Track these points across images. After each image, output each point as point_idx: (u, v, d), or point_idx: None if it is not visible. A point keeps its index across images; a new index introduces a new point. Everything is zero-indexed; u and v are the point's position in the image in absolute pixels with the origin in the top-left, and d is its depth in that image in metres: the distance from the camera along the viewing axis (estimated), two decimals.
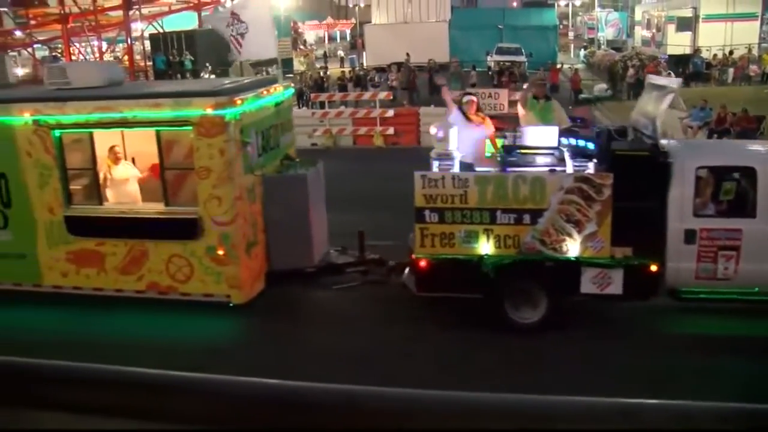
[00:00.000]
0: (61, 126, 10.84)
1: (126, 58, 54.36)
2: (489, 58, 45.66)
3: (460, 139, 10.63)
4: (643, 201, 9.79)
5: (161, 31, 54.31)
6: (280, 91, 12.30)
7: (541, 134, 10.72)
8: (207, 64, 49.15)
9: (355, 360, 9.52)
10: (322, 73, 41.24)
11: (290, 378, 1.48)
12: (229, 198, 10.49)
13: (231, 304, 10.84)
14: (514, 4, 61.74)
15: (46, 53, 56.68)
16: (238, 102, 10.50)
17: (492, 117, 12.52)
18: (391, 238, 12.41)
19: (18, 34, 53.47)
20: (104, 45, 56.16)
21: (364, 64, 50.00)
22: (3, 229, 11.48)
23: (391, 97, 30.80)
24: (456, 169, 10.35)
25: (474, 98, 11.52)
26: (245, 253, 10.87)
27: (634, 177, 9.70)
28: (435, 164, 10.40)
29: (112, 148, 11.48)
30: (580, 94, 35.09)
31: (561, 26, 55.85)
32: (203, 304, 11.01)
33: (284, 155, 12.34)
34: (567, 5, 61.92)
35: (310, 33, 57.80)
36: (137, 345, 9.84)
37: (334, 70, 50.56)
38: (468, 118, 11.10)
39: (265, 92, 11.54)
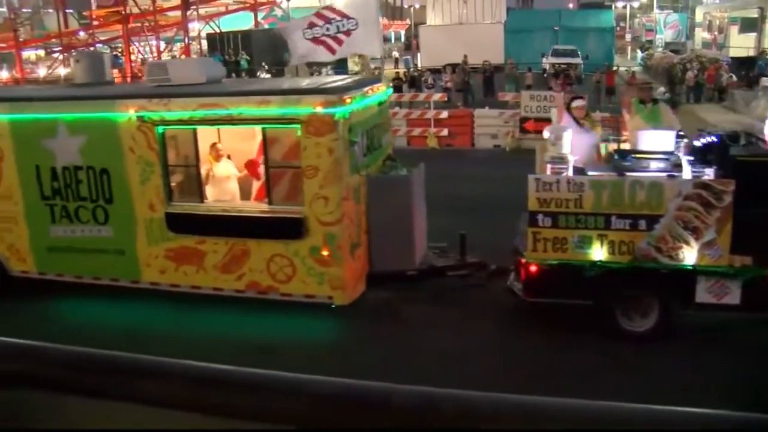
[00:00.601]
0: (165, 122, 10.65)
1: (183, 57, 54.84)
2: (544, 60, 45.06)
3: (572, 143, 10.27)
4: (765, 208, 9.32)
5: (218, 31, 54.66)
6: (383, 91, 12.02)
7: (655, 138, 10.30)
8: (263, 64, 49.42)
9: (452, 363, 9.27)
10: (376, 74, 40.90)
11: (389, 379, 1.40)
12: (336, 198, 10.20)
13: (333, 306, 10.56)
14: (571, 5, 60.68)
15: (107, 53, 57.26)
16: (348, 100, 10.22)
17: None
18: (447, 239, 12.28)
19: (81, 34, 54.10)
20: (162, 44, 56.54)
21: (419, 65, 49.68)
22: (103, 224, 11.33)
23: (446, 99, 30.43)
24: (570, 172, 10.00)
25: (583, 102, 11.16)
26: (349, 255, 10.58)
27: (756, 183, 9.24)
28: (548, 167, 10.04)
29: (214, 145, 11.28)
30: None
31: (618, 28, 54.75)
32: (303, 304, 10.77)
33: (386, 156, 12.05)
34: (624, 7, 60.55)
35: None
36: (237, 343, 9.73)
37: (388, 70, 50.27)
38: (578, 123, 10.76)
39: (369, 91, 11.26)
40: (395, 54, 55.14)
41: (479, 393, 1.26)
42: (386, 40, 57.54)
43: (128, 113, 10.73)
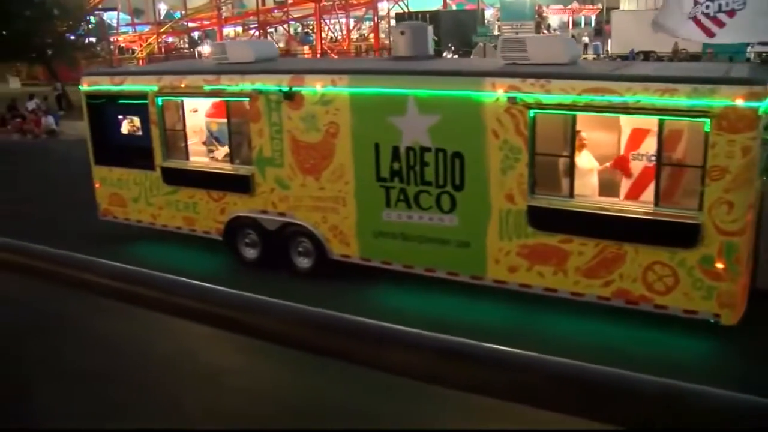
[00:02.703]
0: (540, 106, 9.17)
1: (371, 35, 54.34)
2: (749, 48, 40.95)
3: None
4: None
5: (407, 10, 53.63)
6: None
7: None
8: (449, 45, 48.23)
9: None
10: None
11: None
12: (743, 204, 8.40)
13: (718, 324, 8.84)
14: None
15: (299, 30, 57.56)
16: None
17: None
18: None
19: (276, 12, 54.49)
20: (351, 23, 56.12)
21: (609, 52, 46.87)
22: (448, 213, 10.03)
23: None
24: None
25: None
26: (745, 269, 8.82)
27: None
28: None
29: (578, 134, 9.70)
30: None
31: None
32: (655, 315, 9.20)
33: None
34: None
35: (554, 17, 55.03)
36: (597, 351, 8.30)
37: None
38: None
39: None
40: (585, 39, 52.21)
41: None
42: (575, 24, 54.79)
43: (496, 93, 9.32)
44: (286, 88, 10.79)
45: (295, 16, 55.49)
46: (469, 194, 9.81)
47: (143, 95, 12.45)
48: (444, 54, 45.07)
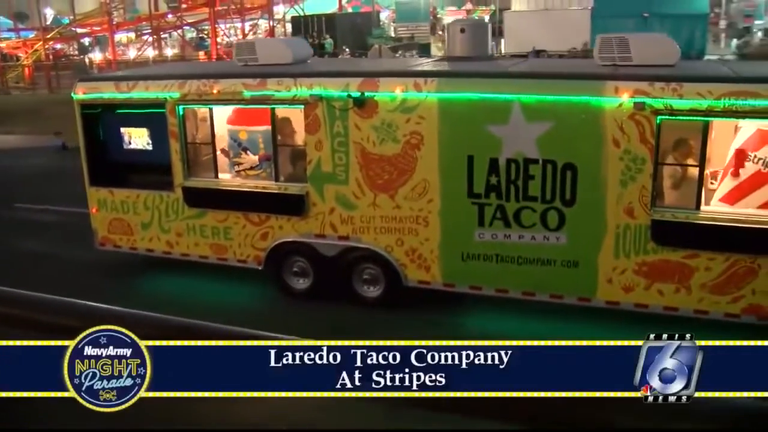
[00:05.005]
0: (671, 111, 8.18)
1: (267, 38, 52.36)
2: None
3: None
4: None
5: (302, 14, 52.06)
6: None
7: None
8: (344, 47, 47.47)
9: None
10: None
11: None
12: None
13: None
14: None
15: (194, 35, 54.74)
16: None
17: None
18: None
19: (170, 17, 51.42)
20: (247, 27, 53.83)
21: (503, 51, 47.16)
22: (555, 230, 8.89)
23: None
24: None
25: None
26: None
27: None
28: None
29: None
30: None
31: (712, 14, 51.01)
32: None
33: None
34: None
35: (449, 18, 54.89)
36: None
37: None
38: None
39: None
40: None
41: None
42: None
43: (620, 98, 8.27)
44: (356, 94, 9.30)
45: (189, 21, 52.53)
46: (582, 209, 8.72)
47: (160, 103, 10.50)
48: (340, 56, 44.02)
